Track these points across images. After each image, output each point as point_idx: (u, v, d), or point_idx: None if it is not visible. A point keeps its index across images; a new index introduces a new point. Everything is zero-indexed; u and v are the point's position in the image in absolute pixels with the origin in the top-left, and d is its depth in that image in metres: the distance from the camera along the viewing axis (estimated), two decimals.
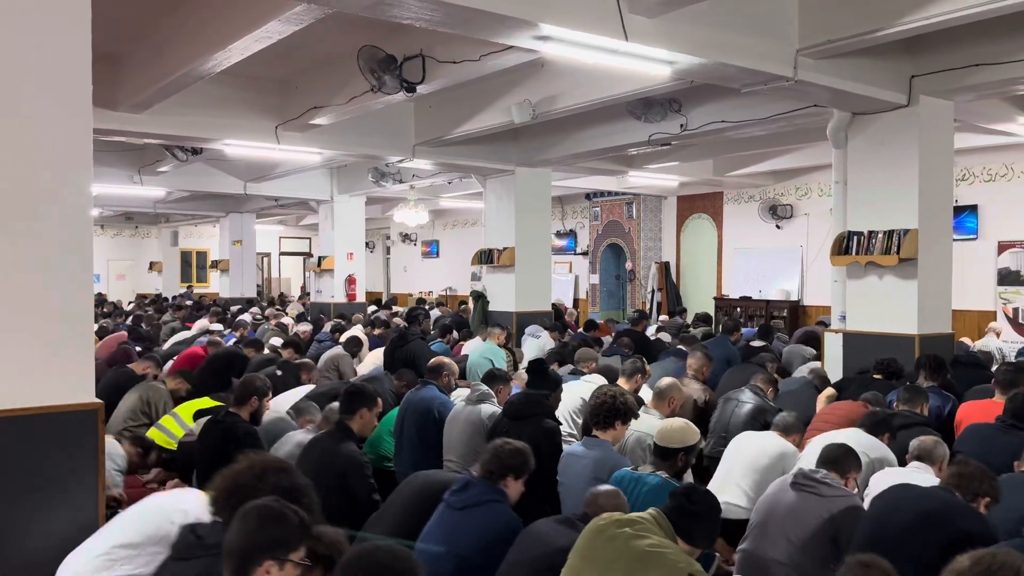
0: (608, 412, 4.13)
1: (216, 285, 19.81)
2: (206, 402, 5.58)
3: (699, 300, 14.54)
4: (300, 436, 4.57)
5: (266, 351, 7.97)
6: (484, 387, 5.22)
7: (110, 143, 8.63)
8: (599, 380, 5.56)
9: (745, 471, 4.19)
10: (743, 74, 5.42)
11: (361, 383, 4.53)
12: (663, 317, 12.57)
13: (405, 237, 21.12)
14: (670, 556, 2.57)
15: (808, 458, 3.97)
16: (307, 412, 5.06)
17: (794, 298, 13.09)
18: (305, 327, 10.54)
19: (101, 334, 10.22)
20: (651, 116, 7.60)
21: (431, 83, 6.38)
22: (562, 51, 4.97)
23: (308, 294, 15.83)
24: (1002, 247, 10.64)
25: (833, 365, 6.82)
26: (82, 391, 3.21)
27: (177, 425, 5.42)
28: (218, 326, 10.67)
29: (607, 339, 8.77)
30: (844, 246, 6.73)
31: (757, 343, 8.20)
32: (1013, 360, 7.93)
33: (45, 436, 3.12)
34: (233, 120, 8.25)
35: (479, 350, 7.91)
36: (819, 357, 7.28)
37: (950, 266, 6.69)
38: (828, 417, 4.85)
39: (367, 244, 16.48)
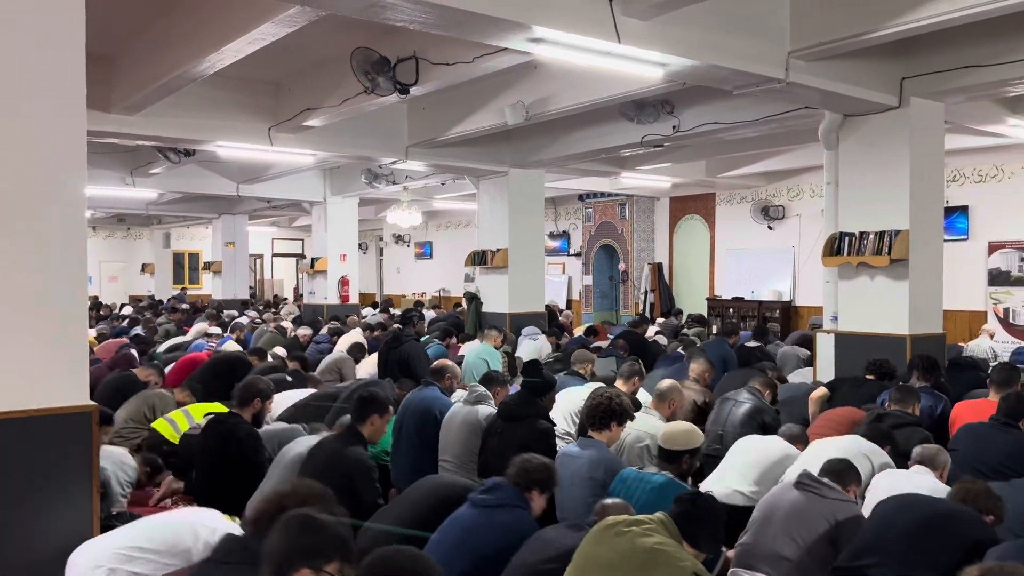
0: (604, 413, 4.17)
1: (209, 287, 19.75)
2: (218, 407, 5.53)
3: (692, 301, 14.58)
4: (309, 441, 4.55)
5: (270, 359, 7.93)
6: (482, 388, 5.25)
7: (102, 145, 8.61)
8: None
9: (748, 466, 4.21)
10: (735, 76, 5.45)
11: (374, 390, 4.52)
12: (660, 320, 12.59)
13: (398, 238, 21.10)
14: (675, 555, 2.63)
15: (808, 456, 4.01)
16: None
17: (786, 299, 13.14)
18: (305, 331, 10.47)
19: (100, 338, 10.19)
20: (644, 117, 7.62)
21: (424, 85, 6.39)
22: (555, 53, 4.99)
23: (302, 296, 15.75)
24: (992, 247, 10.71)
25: (825, 366, 6.85)
26: (76, 394, 3.21)
27: (185, 420, 5.42)
28: (217, 330, 10.61)
29: (604, 343, 8.79)
30: (836, 247, 6.77)
31: (752, 343, 8.26)
32: (1007, 360, 8.00)
33: (39, 438, 3.12)
34: (226, 122, 8.24)
35: (475, 351, 7.96)
36: (812, 358, 7.32)
37: (941, 267, 6.73)
38: (828, 422, 4.87)
39: (360, 245, 16.48)
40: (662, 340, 9.40)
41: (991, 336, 9.63)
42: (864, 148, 6.60)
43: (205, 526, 3.05)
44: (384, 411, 4.16)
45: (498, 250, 10.44)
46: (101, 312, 15.64)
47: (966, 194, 10.99)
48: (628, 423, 4.45)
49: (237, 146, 8.66)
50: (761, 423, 5.00)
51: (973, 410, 4.81)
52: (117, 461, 4.45)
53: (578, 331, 11.61)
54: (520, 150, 10.03)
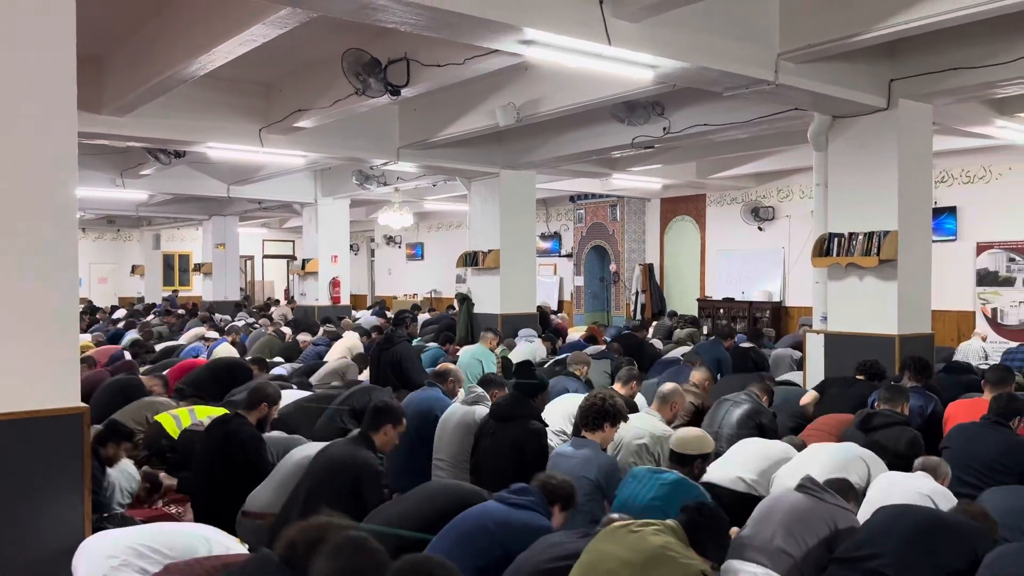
0: (597, 414, 4.21)
1: (199, 288, 19.68)
2: (221, 411, 5.55)
3: (683, 302, 14.63)
4: (314, 447, 4.55)
5: (276, 371, 7.96)
6: (480, 390, 5.28)
7: (93, 146, 8.59)
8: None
9: (749, 459, 4.28)
10: (725, 78, 5.48)
11: (390, 400, 4.54)
12: (655, 323, 12.61)
13: (390, 239, 21.09)
14: (684, 555, 2.70)
15: (805, 456, 4.12)
16: None
17: (776, 299, 13.20)
18: (305, 337, 10.37)
19: (96, 343, 10.13)
20: (634, 119, 7.65)
21: (415, 86, 6.40)
22: (546, 55, 5.01)
23: (293, 299, 15.68)
24: (980, 248, 10.78)
25: (815, 365, 6.90)
26: (67, 395, 3.20)
27: (189, 418, 5.43)
28: (214, 334, 10.53)
29: (601, 347, 8.83)
30: (825, 247, 6.81)
31: (746, 344, 8.33)
32: (998, 360, 8.12)
33: (30, 440, 3.11)
34: (217, 123, 8.23)
35: (470, 352, 8.03)
36: (802, 358, 7.36)
37: (929, 267, 6.78)
38: (822, 427, 4.91)
39: (351, 247, 16.44)
40: (657, 344, 9.43)
41: (983, 339, 9.74)
42: (853, 149, 6.65)
43: (219, 542, 3.10)
44: (398, 422, 4.17)
45: (489, 251, 10.45)
46: (97, 316, 15.52)
47: (954, 195, 11.07)
48: (629, 423, 4.50)
49: (228, 147, 8.65)
50: (758, 424, 5.05)
51: (966, 409, 4.87)
52: (124, 471, 4.50)
53: (573, 332, 11.67)
54: (511, 151, 10.05)
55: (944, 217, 10.86)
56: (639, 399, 5.61)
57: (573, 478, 3.97)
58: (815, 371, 6.86)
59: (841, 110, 6.50)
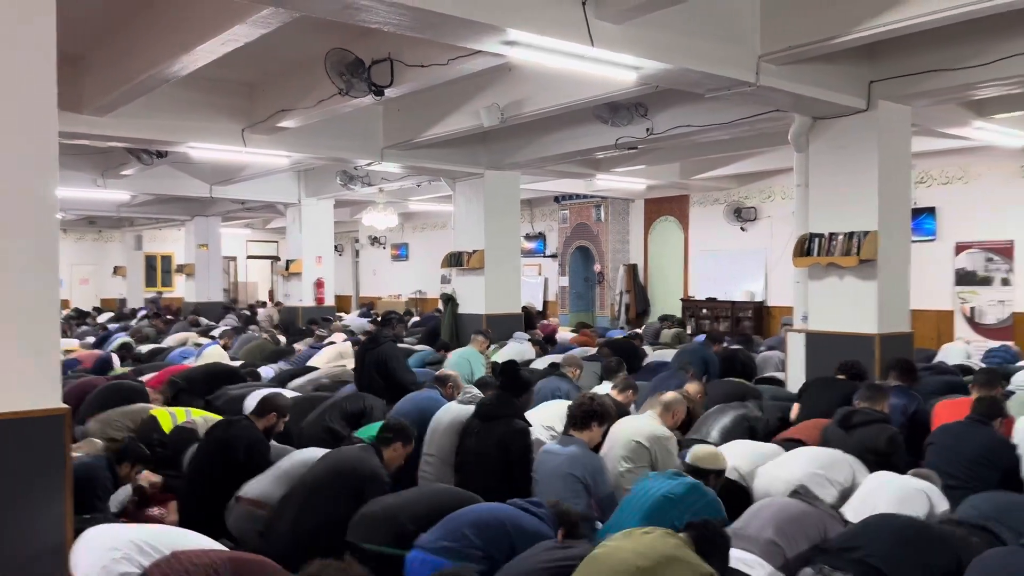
0: (585, 413, 4.33)
1: (181, 290, 19.56)
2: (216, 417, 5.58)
3: (666, 302, 14.71)
4: (318, 451, 4.57)
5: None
6: (475, 390, 5.38)
7: (74, 146, 8.52)
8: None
9: (740, 456, 4.41)
10: (707, 79, 5.52)
11: (401, 420, 4.60)
12: (645, 326, 12.66)
13: (374, 240, 21.04)
14: (696, 558, 2.78)
15: (789, 456, 4.27)
16: None
17: (759, 299, 13.29)
18: (301, 346, 10.26)
19: (85, 347, 10.05)
20: (618, 120, 7.69)
21: (399, 86, 6.40)
22: (529, 56, 5.03)
23: (280, 303, 15.52)
24: (959, 248, 10.91)
25: (796, 364, 6.96)
26: (48, 397, 3.18)
27: (184, 416, 5.45)
28: (205, 340, 10.41)
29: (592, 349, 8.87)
30: (806, 247, 6.87)
31: (735, 347, 8.45)
32: (979, 361, 8.36)
33: (10, 442, 3.09)
34: (199, 123, 8.19)
35: (458, 353, 8.08)
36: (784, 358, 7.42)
37: (908, 267, 6.86)
38: (807, 432, 4.97)
39: (336, 247, 16.39)
40: (648, 350, 9.45)
41: (967, 343, 9.92)
42: (833, 150, 6.71)
43: (211, 547, 3.08)
44: (408, 442, 4.28)
45: (474, 251, 10.46)
46: (87, 321, 15.34)
47: (933, 196, 11.19)
48: (628, 421, 4.68)
49: (210, 147, 8.60)
50: (749, 428, 5.17)
51: (953, 410, 4.99)
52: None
53: (563, 332, 11.74)
54: (495, 152, 10.07)
55: (923, 217, 10.98)
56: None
57: (559, 475, 4.09)
58: (796, 370, 6.92)
59: (821, 111, 6.56)
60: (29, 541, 3.07)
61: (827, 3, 5.19)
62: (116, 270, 21.89)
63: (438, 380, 5.75)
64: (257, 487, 4.19)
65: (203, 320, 14.01)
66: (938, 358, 8.29)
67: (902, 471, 4.07)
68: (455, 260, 10.73)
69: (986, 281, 10.69)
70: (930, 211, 11.11)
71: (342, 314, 16.24)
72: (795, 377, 6.90)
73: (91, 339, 11.50)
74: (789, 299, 7.59)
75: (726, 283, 13.61)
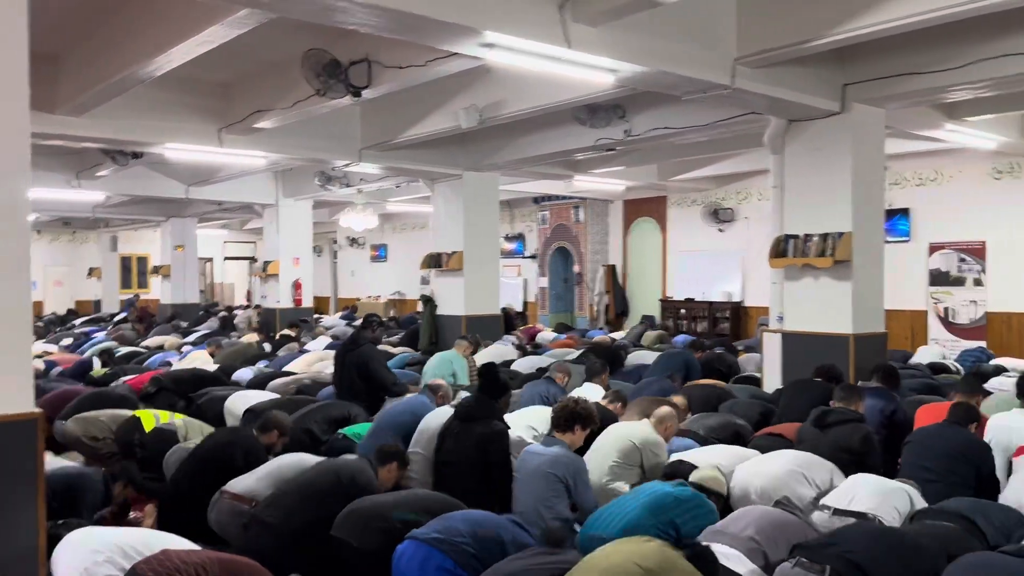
0: (569, 416, 4.39)
1: (157, 291, 19.37)
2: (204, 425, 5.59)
3: (645, 302, 14.77)
4: (298, 457, 4.56)
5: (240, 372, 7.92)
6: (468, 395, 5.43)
7: (47, 147, 8.42)
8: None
9: (726, 455, 4.51)
10: (683, 82, 5.56)
11: (398, 446, 4.62)
12: (630, 329, 12.71)
13: (353, 241, 20.96)
14: (694, 569, 2.85)
15: (766, 457, 4.34)
16: None
17: (736, 299, 13.38)
18: (284, 352, 10.15)
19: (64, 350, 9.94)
20: (596, 122, 7.72)
21: (377, 87, 6.39)
22: (506, 58, 5.04)
23: (259, 305, 15.38)
24: (933, 248, 11.05)
25: (772, 364, 7.02)
26: (20, 401, 3.14)
27: (168, 418, 5.46)
28: (193, 349, 10.29)
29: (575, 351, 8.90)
30: (781, 249, 6.94)
31: (718, 350, 8.53)
32: (954, 359, 8.56)
33: None
34: (175, 124, 8.12)
35: (440, 355, 8.04)
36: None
37: (882, 268, 6.94)
38: (787, 431, 5.04)
39: (314, 248, 16.29)
40: (638, 353, 9.49)
41: (943, 345, 10.11)
42: (808, 152, 6.78)
43: (193, 550, 3.06)
44: (404, 464, 4.37)
45: (453, 253, 10.45)
46: (67, 326, 15.12)
47: (907, 197, 11.33)
48: (621, 424, 4.77)
49: (186, 148, 8.53)
50: (735, 432, 5.23)
51: (934, 413, 5.07)
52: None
53: (546, 333, 11.76)
54: (474, 153, 10.07)
55: (897, 218, 11.12)
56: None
57: (541, 474, 4.15)
58: (772, 369, 6.99)
59: (796, 114, 6.63)
60: (1, 545, 3.03)
61: (801, 7, 5.25)
62: (91, 271, 21.62)
63: (430, 388, 5.78)
64: (242, 483, 4.21)
65: (182, 324, 13.87)
66: (914, 359, 8.43)
67: (876, 471, 4.13)
68: (434, 261, 10.72)
69: (959, 281, 10.84)
70: (904, 212, 11.25)
71: (322, 316, 16.16)
72: (771, 377, 6.97)
73: (67, 341, 11.36)
74: (765, 299, 7.66)
75: (704, 284, 13.70)
